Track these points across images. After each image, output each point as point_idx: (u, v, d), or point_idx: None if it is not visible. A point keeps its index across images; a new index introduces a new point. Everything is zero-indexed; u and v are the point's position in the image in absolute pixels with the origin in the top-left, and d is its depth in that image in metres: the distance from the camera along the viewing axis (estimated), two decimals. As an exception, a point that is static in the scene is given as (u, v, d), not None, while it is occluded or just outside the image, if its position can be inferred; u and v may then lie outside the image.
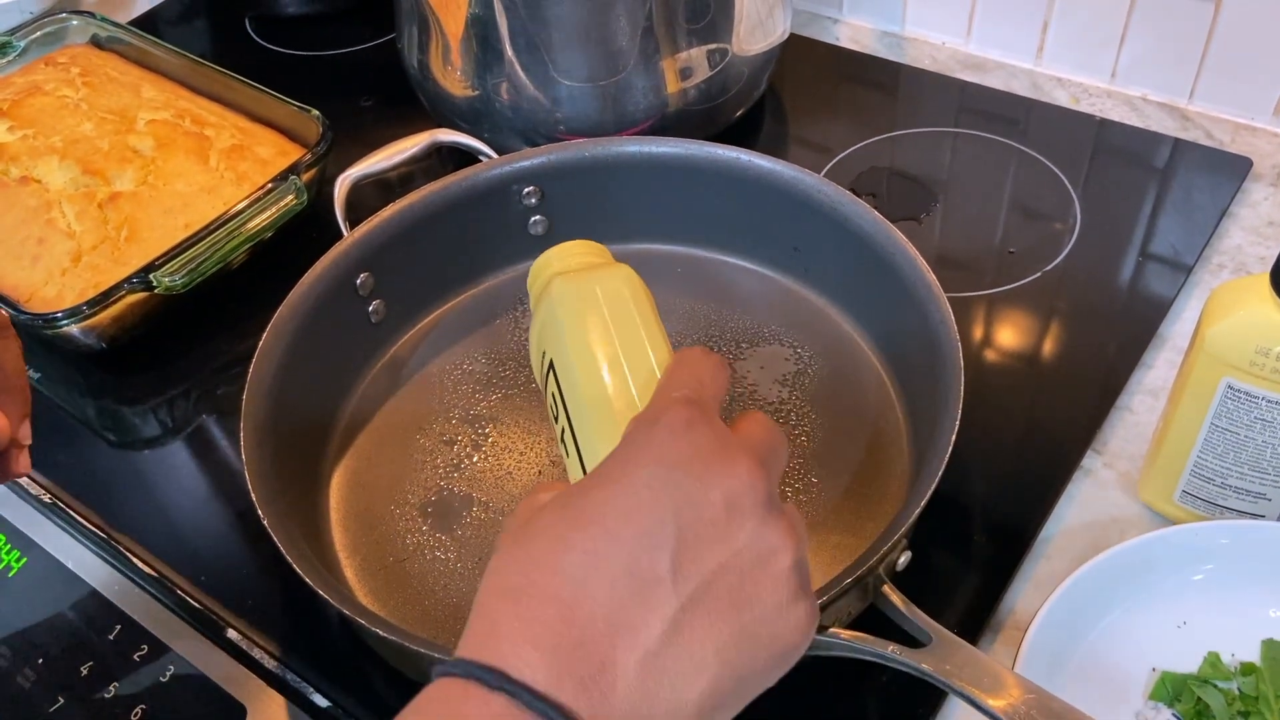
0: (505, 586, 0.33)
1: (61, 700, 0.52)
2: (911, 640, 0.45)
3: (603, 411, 0.41)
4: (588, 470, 0.40)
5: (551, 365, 0.45)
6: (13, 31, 0.84)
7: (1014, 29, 0.82)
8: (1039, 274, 0.68)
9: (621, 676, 0.32)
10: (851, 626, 0.47)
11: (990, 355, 0.65)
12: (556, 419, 0.45)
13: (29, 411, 0.46)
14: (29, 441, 0.46)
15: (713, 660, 0.33)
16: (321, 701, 0.52)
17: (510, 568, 0.34)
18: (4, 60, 0.82)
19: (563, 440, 0.44)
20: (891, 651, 0.44)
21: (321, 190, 0.72)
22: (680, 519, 0.33)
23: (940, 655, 0.43)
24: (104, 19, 0.84)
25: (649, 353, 0.43)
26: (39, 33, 0.84)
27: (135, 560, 0.58)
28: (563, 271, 0.47)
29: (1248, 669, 0.49)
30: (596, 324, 0.44)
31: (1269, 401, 0.48)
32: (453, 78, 0.74)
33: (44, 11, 0.89)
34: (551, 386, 0.45)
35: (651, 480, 0.34)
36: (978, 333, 0.66)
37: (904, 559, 0.49)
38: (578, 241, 0.50)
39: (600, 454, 0.38)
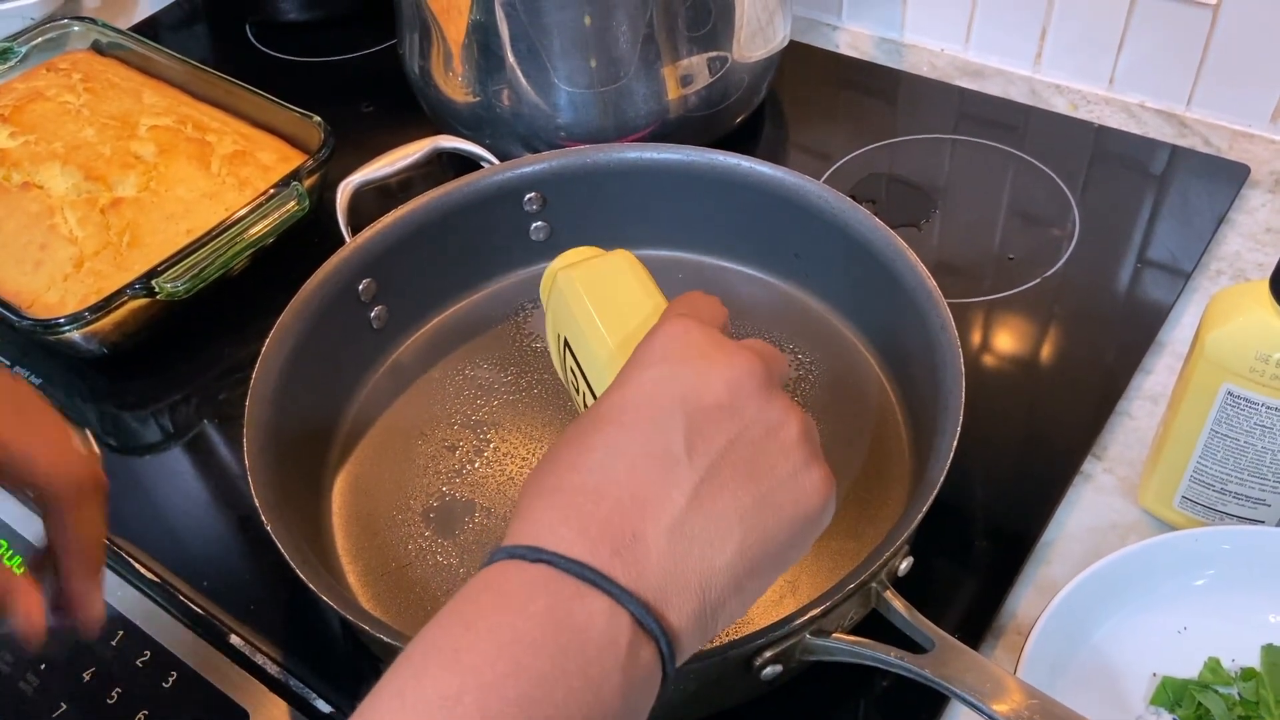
0: (538, 490, 0.36)
1: (64, 706, 0.52)
2: (913, 645, 0.45)
3: (617, 361, 0.44)
4: None
5: (567, 343, 0.49)
6: (14, 37, 0.84)
7: (1012, 36, 0.82)
8: (1038, 280, 0.68)
9: (653, 545, 0.34)
10: (853, 632, 0.47)
11: (990, 361, 0.65)
12: (578, 390, 0.49)
13: (101, 583, 0.44)
14: (99, 616, 0.44)
15: (736, 526, 0.35)
16: (324, 707, 0.52)
17: (541, 476, 0.37)
18: (5, 66, 0.82)
19: (585, 407, 0.47)
20: (894, 657, 0.44)
21: (323, 196, 0.72)
22: (687, 405, 0.36)
23: (942, 660, 0.43)
24: (105, 25, 0.84)
25: (654, 305, 0.47)
26: (40, 39, 0.84)
27: (137, 566, 0.58)
28: (565, 266, 0.51)
29: (1248, 674, 0.49)
30: (602, 292, 0.48)
31: (1269, 408, 0.48)
32: (454, 83, 0.74)
33: (45, 17, 0.89)
34: (570, 362, 0.49)
35: (657, 378, 0.37)
36: (978, 339, 0.66)
37: (905, 564, 0.49)
38: (581, 248, 0.53)
39: None
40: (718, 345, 0.38)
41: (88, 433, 0.47)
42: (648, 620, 0.33)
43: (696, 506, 0.35)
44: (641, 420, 0.36)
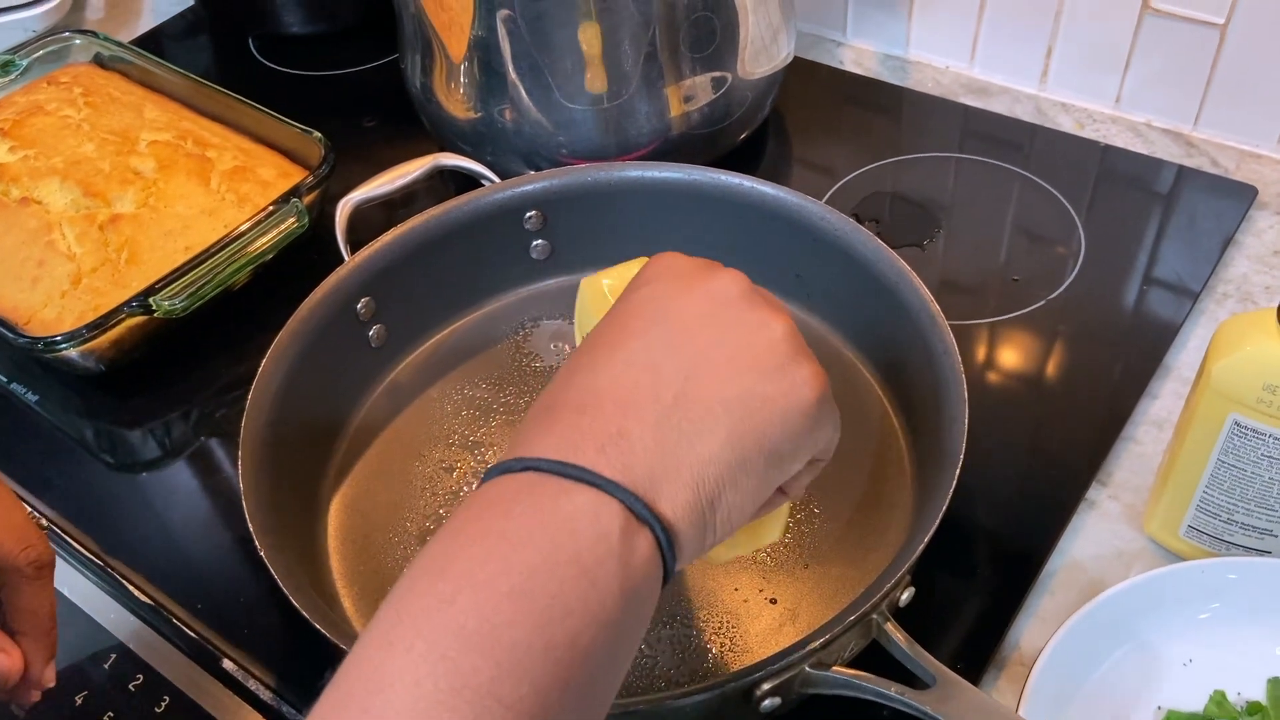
0: (527, 418, 0.37)
1: (55, 730, 0.52)
2: (914, 679, 0.45)
3: None
4: None
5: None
6: (15, 50, 0.84)
7: (1018, 53, 0.82)
8: (1043, 302, 0.68)
9: (638, 439, 0.34)
10: (854, 663, 0.47)
11: (994, 384, 0.64)
12: None
13: (54, 655, 0.46)
14: (51, 684, 0.46)
15: (724, 416, 0.35)
16: (318, 733, 0.51)
17: (532, 407, 0.37)
18: (6, 79, 0.82)
19: None
20: (894, 692, 0.43)
21: (323, 212, 0.71)
22: (669, 317, 0.37)
23: (943, 697, 0.43)
24: (107, 38, 0.84)
25: None
26: (41, 51, 0.84)
27: (131, 588, 0.57)
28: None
29: (1254, 708, 0.49)
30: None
31: (1276, 438, 0.47)
32: (455, 100, 0.73)
33: (47, 30, 0.89)
34: None
35: (641, 298, 0.38)
36: (982, 361, 0.65)
37: (906, 595, 0.48)
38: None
39: None
40: (702, 266, 0.39)
41: (36, 514, 0.48)
42: (638, 507, 0.33)
43: (681, 401, 0.35)
44: (625, 335, 0.37)
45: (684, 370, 0.36)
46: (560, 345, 0.66)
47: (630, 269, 0.49)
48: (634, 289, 0.39)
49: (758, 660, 0.44)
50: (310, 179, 0.71)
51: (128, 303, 0.64)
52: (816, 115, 0.83)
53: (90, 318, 0.64)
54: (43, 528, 0.47)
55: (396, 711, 0.28)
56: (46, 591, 0.45)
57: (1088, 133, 0.79)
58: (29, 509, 0.47)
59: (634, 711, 0.44)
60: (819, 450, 0.39)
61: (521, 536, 0.32)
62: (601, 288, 0.50)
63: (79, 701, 0.53)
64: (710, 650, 0.52)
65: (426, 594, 0.31)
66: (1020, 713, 0.45)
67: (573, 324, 0.55)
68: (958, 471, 0.49)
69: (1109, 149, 0.77)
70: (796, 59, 0.79)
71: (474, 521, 0.33)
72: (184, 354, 0.69)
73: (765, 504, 0.40)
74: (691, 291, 0.38)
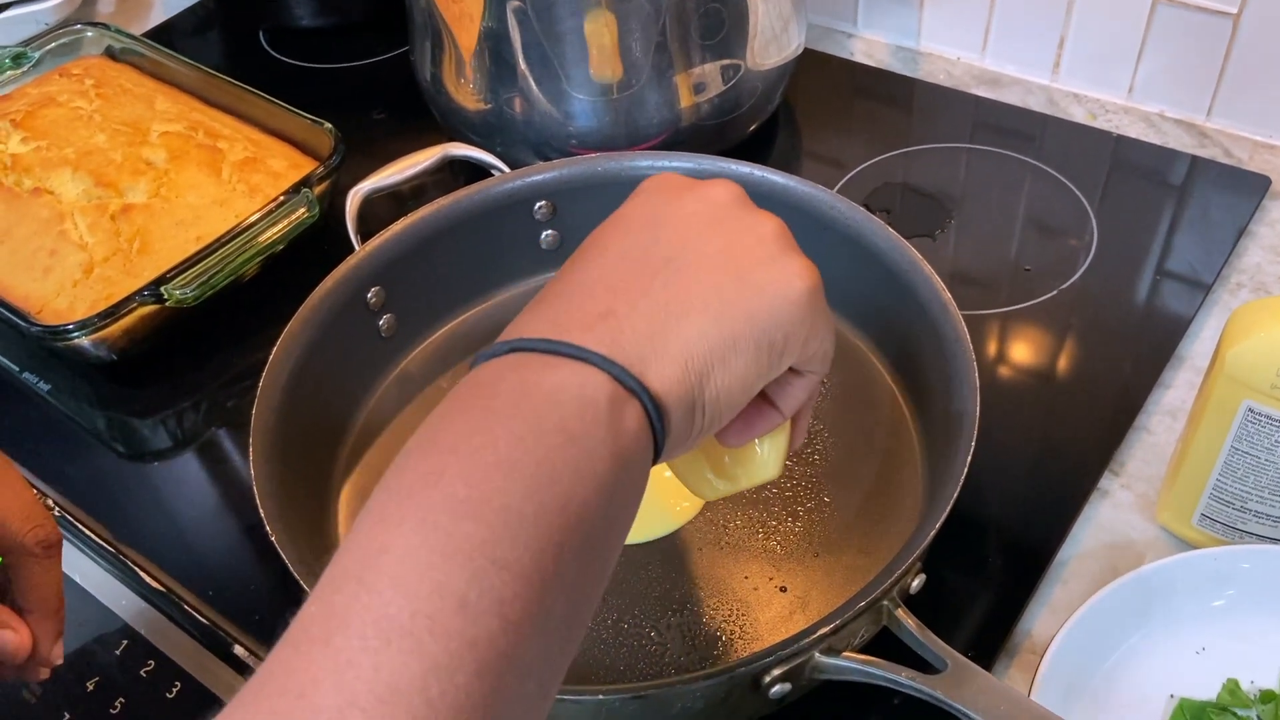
0: (520, 319, 0.36)
1: (67, 716, 0.52)
2: (925, 665, 0.45)
3: None
4: None
5: None
6: (28, 42, 0.84)
7: (1030, 44, 0.81)
8: (1055, 292, 0.67)
9: (625, 318, 0.35)
10: (865, 650, 0.47)
11: (1006, 374, 0.64)
12: None
13: (62, 632, 0.47)
14: (59, 662, 0.46)
15: (714, 297, 0.36)
16: None
17: (525, 312, 0.37)
18: (19, 71, 0.82)
19: None
20: (905, 677, 0.43)
21: (333, 203, 0.71)
22: (662, 219, 0.38)
23: (955, 681, 0.43)
24: (118, 30, 0.85)
25: None
26: (54, 44, 0.84)
27: (143, 575, 0.57)
28: None
29: (1267, 696, 0.48)
30: None
31: (1290, 425, 0.47)
32: (465, 91, 0.73)
33: (59, 22, 0.90)
34: None
35: (635, 204, 0.40)
36: (993, 351, 0.65)
37: (917, 582, 0.48)
38: None
39: None
40: (696, 181, 0.40)
41: (43, 494, 0.48)
42: (626, 378, 0.33)
43: (669, 282, 0.36)
44: (618, 234, 0.38)
45: (675, 254, 0.37)
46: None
47: None
48: (630, 200, 0.40)
49: (768, 646, 0.44)
50: (321, 169, 0.71)
51: (139, 292, 0.64)
52: (827, 106, 0.83)
53: (102, 307, 0.64)
54: (48, 507, 0.47)
55: (392, 578, 0.28)
56: (54, 570, 0.46)
57: (1100, 123, 0.79)
58: (37, 492, 0.47)
59: (644, 696, 0.44)
60: (811, 353, 0.39)
61: (507, 410, 0.32)
62: None
63: (90, 687, 0.53)
64: (720, 638, 0.52)
65: (415, 470, 0.31)
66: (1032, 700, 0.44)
67: None
68: (969, 459, 0.48)
69: (1121, 139, 0.77)
70: (807, 50, 0.79)
71: (460, 400, 0.33)
72: (195, 343, 0.69)
73: (759, 417, 0.41)
74: (686, 197, 0.39)
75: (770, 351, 0.37)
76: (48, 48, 0.84)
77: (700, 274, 0.36)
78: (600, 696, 0.43)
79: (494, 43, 0.70)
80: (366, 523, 0.31)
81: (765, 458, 0.45)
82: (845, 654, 0.45)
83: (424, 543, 0.29)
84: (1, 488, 0.44)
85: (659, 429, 0.34)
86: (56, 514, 0.61)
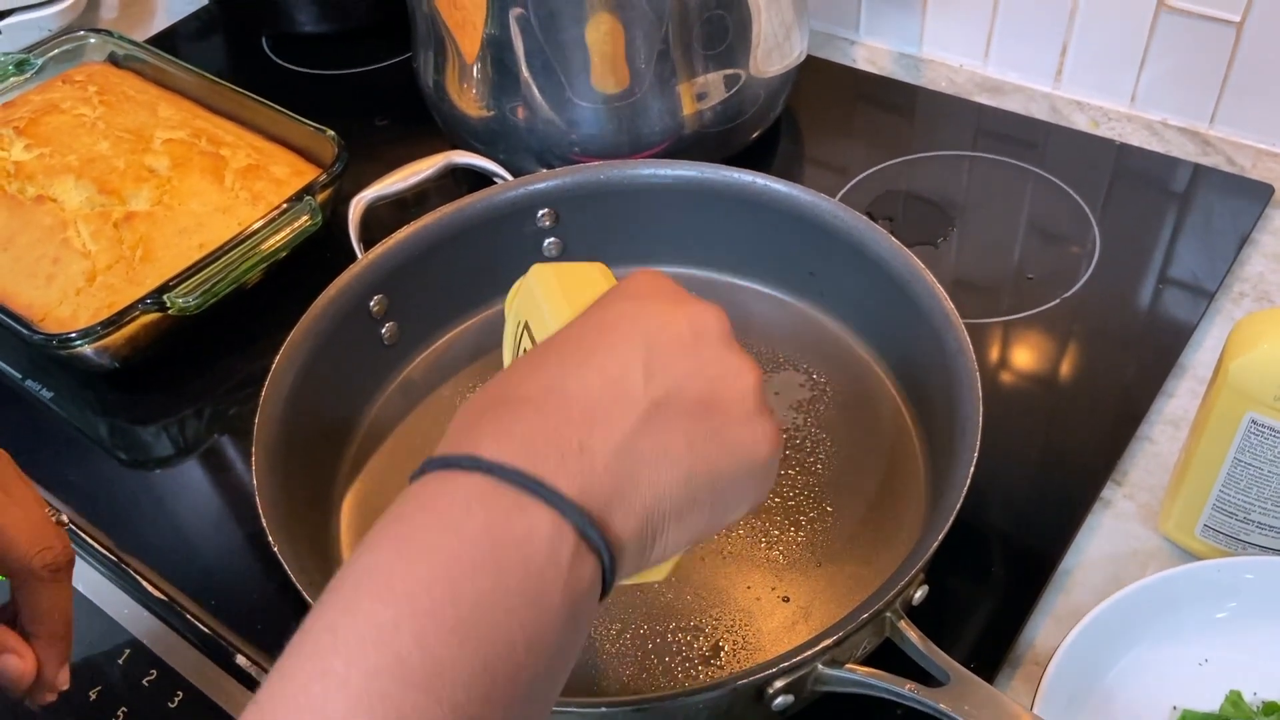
0: (480, 404, 0.34)
1: (69, 725, 0.52)
2: (928, 677, 0.45)
3: None
4: None
5: (526, 326, 0.49)
6: (30, 49, 0.84)
7: (1032, 51, 0.81)
8: (1057, 300, 0.67)
9: (600, 458, 0.33)
10: (867, 662, 0.47)
11: (1009, 383, 0.64)
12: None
13: (68, 657, 0.45)
14: (65, 687, 0.45)
15: (685, 452, 0.34)
16: (330, 730, 0.51)
17: (484, 391, 0.34)
18: (22, 78, 0.82)
19: None
20: (908, 690, 0.43)
21: (336, 210, 0.72)
22: (648, 335, 0.35)
23: (958, 694, 0.43)
24: (121, 37, 0.85)
25: None
26: (56, 50, 0.84)
27: (145, 583, 0.57)
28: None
29: (1270, 708, 0.48)
30: (574, 283, 0.47)
31: (1294, 437, 0.47)
32: (468, 98, 0.73)
33: (62, 29, 0.90)
34: (524, 344, 0.49)
35: (621, 310, 0.37)
36: (996, 359, 0.65)
37: (920, 593, 0.48)
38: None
39: None
40: (685, 296, 0.38)
41: (58, 509, 0.47)
42: (591, 533, 0.32)
43: (647, 426, 0.34)
44: (600, 344, 0.35)
45: (657, 393, 0.34)
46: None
47: (583, 270, 0.49)
48: (616, 299, 0.38)
49: (770, 658, 0.44)
50: (323, 177, 0.71)
51: (142, 300, 0.64)
52: (829, 113, 0.83)
53: (105, 315, 0.64)
54: (62, 524, 0.47)
55: None
56: (63, 594, 0.44)
57: (1103, 131, 0.79)
58: (50, 509, 0.47)
59: (646, 709, 0.44)
60: (749, 508, 0.38)
61: (473, 558, 0.30)
62: (552, 278, 0.49)
63: (93, 697, 0.53)
64: (723, 648, 0.52)
65: (367, 619, 0.29)
66: (1035, 712, 0.44)
67: None
68: (972, 470, 0.48)
69: (1124, 147, 0.77)
70: (810, 57, 0.79)
71: (421, 531, 0.31)
72: (197, 351, 0.69)
73: None
74: (676, 316, 0.36)
75: (725, 513, 0.36)
76: (51, 54, 0.84)
77: (680, 423, 0.34)
78: (603, 709, 0.43)
79: (496, 50, 0.70)
80: (307, 667, 0.29)
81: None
82: (848, 666, 0.45)
83: (369, 713, 0.28)
84: (10, 506, 0.43)
85: (609, 580, 0.33)
86: (66, 527, 0.61)
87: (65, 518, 0.48)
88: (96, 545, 0.60)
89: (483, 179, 0.69)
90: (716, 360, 0.36)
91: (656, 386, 0.34)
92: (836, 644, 0.44)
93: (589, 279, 0.48)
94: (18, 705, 0.50)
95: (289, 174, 0.73)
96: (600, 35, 0.68)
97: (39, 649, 0.44)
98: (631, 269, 0.51)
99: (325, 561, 0.56)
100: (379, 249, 0.62)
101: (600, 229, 0.67)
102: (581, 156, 0.72)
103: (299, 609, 0.47)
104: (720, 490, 0.36)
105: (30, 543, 0.43)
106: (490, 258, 0.67)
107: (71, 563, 0.45)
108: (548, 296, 0.48)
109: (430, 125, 0.79)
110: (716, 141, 0.74)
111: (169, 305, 0.64)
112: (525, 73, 0.70)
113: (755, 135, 0.77)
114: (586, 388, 0.34)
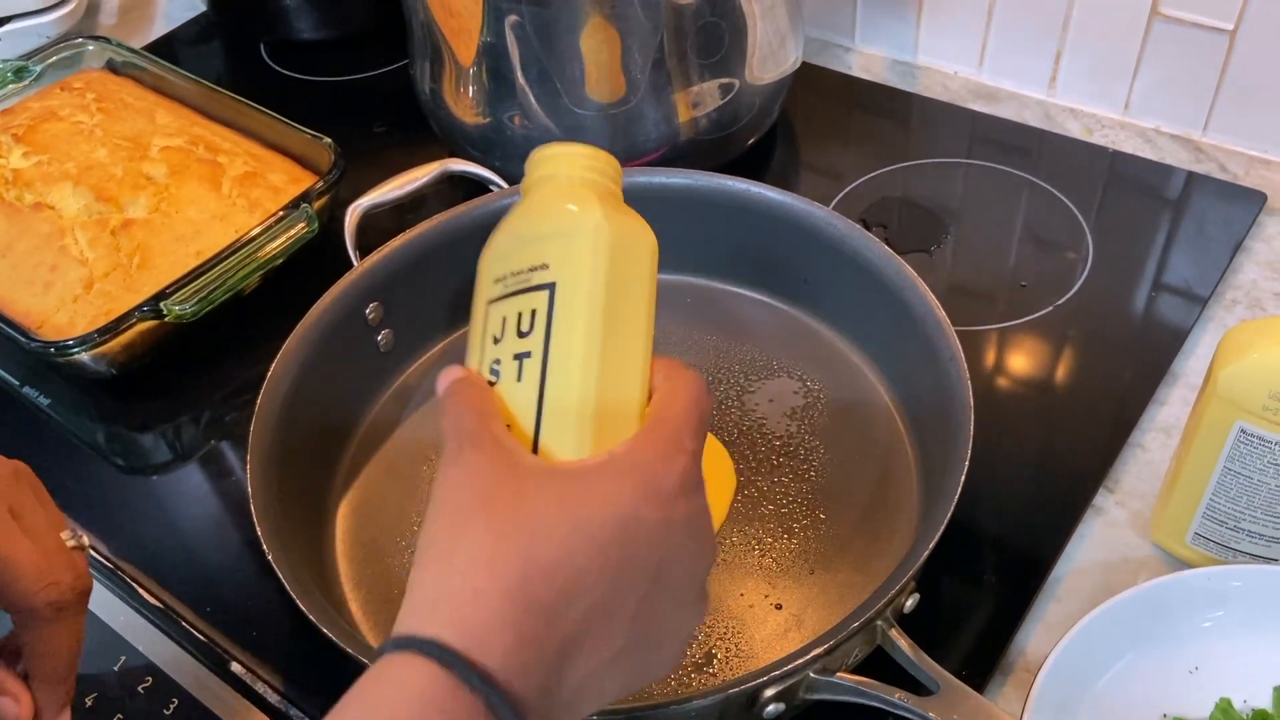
0: (500, 566, 0.32)
1: (65, 732, 0.52)
2: (918, 686, 0.45)
3: (614, 396, 0.37)
4: (542, 423, 0.37)
5: (553, 289, 0.38)
6: (29, 56, 0.84)
7: (1027, 59, 0.82)
8: (1051, 308, 0.68)
9: (566, 690, 0.33)
10: (857, 670, 0.47)
11: (1002, 390, 0.64)
12: (520, 333, 0.38)
13: (69, 701, 0.43)
14: None
15: (623, 660, 0.35)
16: (324, 736, 0.51)
17: (509, 553, 0.32)
18: (20, 85, 0.82)
19: (508, 356, 0.38)
20: (898, 699, 0.44)
21: (333, 217, 0.72)
22: (656, 575, 0.35)
23: (947, 704, 0.43)
24: (120, 44, 0.85)
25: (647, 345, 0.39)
26: (55, 57, 0.84)
27: (141, 590, 0.58)
28: (601, 191, 0.40)
29: (1260, 716, 0.49)
30: (634, 294, 0.38)
31: (1283, 446, 0.47)
32: (464, 105, 0.74)
33: (60, 36, 0.90)
34: (534, 304, 0.38)
35: (653, 535, 0.34)
36: (989, 367, 0.65)
37: (911, 601, 0.48)
38: (596, 151, 0.41)
39: (574, 432, 0.36)
40: (704, 528, 0.36)
41: (79, 532, 0.44)
42: None
43: (615, 662, 0.34)
44: (622, 570, 0.34)
45: (637, 633, 0.34)
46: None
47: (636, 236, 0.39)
48: (643, 517, 0.35)
49: (762, 666, 0.44)
50: (320, 184, 0.71)
51: (139, 307, 0.64)
52: (824, 121, 0.83)
53: (102, 322, 0.64)
54: (82, 548, 0.43)
55: None
56: (67, 634, 0.42)
57: (1096, 138, 0.79)
58: (72, 530, 0.44)
59: (637, 717, 0.44)
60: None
61: None
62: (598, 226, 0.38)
63: (89, 703, 0.53)
64: (715, 655, 0.52)
65: None
66: (1025, 719, 0.45)
67: None
68: (963, 477, 0.49)
69: (1117, 155, 0.77)
70: (805, 64, 0.80)
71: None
72: (194, 358, 0.69)
73: None
74: (683, 563, 0.36)
75: (640, 685, 0.37)
76: (49, 61, 0.84)
77: (623, 626, 0.34)
78: (594, 717, 0.43)
79: (492, 58, 0.70)
80: None
81: None
82: (839, 674, 0.45)
83: None
84: (18, 535, 0.40)
85: None
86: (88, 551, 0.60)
87: (86, 540, 0.45)
88: (92, 552, 0.60)
89: (479, 186, 0.69)
90: (700, 596, 0.37)
91: (638, 625, 0.34)
92: (827, 652, 0.44)
93: (649, 269, 0.39)
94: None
95: (286, 181, 0.73)
96: (595, 43, 0.68)
97: (38, 691, 0.42)
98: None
99: (320, 568, 0.56)
100: (375, 256, 0.62)
101: (595, 236, 0.67)
102: (577, 164, 0.72)
103: (295, 616, 0.48)
104: (643, 681, 0.36)
105: (35, 578, 0.40)
106: (486, 265, 0.67)
107: (84, 597, 0.42)
108: (608, 282, 0.38)
109: (427, 132, 0.79)
110: (712, 149, 0.74)
111: (166, 312, 0.65)
112: (521, 80, 0.70)
113: (750, 142, 0.77)
114: (589, 619, 0.33)
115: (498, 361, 0.38)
